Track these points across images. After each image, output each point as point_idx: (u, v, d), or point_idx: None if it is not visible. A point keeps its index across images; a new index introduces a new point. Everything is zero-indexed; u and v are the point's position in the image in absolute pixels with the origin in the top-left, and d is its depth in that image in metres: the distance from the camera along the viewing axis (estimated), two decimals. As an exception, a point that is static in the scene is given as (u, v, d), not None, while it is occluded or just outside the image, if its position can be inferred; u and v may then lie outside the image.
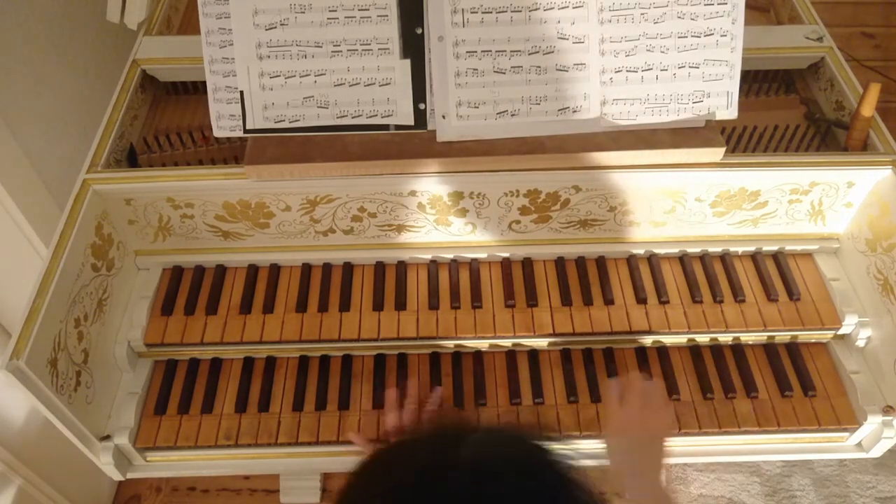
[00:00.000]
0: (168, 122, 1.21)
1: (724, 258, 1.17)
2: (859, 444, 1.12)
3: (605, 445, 0.97)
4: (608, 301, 1.12)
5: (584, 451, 0.98)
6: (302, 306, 1.11)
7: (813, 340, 1.14)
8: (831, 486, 1.67)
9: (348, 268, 1.15)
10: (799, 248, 1.17)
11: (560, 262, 1.16)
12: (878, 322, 1.08)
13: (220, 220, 1.09)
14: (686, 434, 1.06)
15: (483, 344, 1.12)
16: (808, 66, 1.24)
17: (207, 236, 1.12)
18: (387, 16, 0.97)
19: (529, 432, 0.64)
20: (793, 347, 1.13)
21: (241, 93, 0.99)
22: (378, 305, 1.11)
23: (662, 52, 0.99)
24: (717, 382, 1.10)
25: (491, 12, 0.96)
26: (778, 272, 1.15)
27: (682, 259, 1.16)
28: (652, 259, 1.17)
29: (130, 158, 1.15)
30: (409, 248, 1.15)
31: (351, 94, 1.00)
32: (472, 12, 0.97)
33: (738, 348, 1.13)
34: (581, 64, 0.99)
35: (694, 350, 1.13)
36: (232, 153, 1.16)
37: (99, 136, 1.09)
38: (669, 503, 0.86)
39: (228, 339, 1.09)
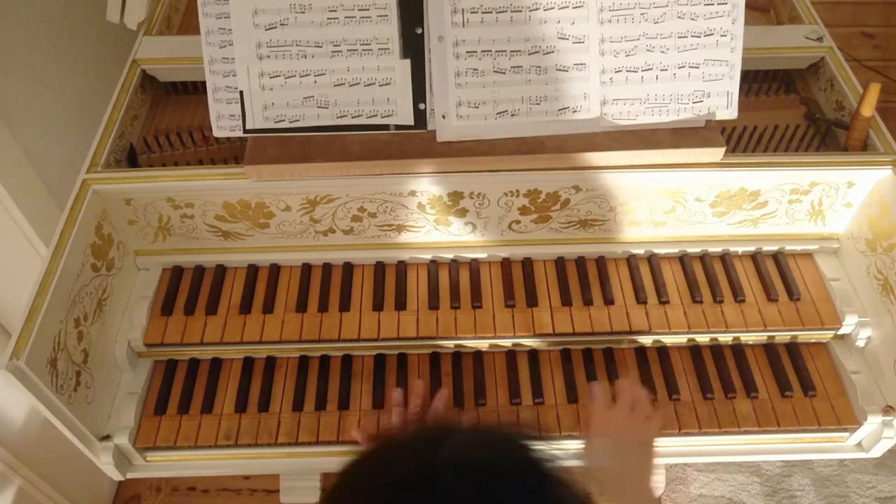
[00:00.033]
0: (168, 122, 1.21)
1: (724, 258, 1.17)
2: (859, 444, 1.12)
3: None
4: (608, 301, 1.12)
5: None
6: (302, 306, 1.11)
7: (813, 340, 1.14)
8: (831, 486, 1.67)
9: (348, 268, 1.15)
10: (799, 248, 1.17)
11: (560, 262, 1.16)
12: (878, 322, 1.08)
13: (220, 220, 1.09)
14: (686, 434, 1.06)
15: (483, 344, 1.12)
16: (808, 66, 1.24)
17: (207, 236, 1.12)
18: (387, 16, 0.97)
19: (514, 432, 0.64)
20: (793, 347, 1.13)
21: (241, 93, 0.99)
22: (378, 305, 1.11)
23: (662, 52, 0.99)
24: (717, 382, 1.10)
25: (491, 12, 0.96)
26: (778, 272, 1.15)
27: (682, 259, 1.16)
28: (652, 259, 1.17)
29: (130, 158, 1.15)
30: (409, 248, 1.15)
31: (351, 94, 1.00)
32: (472, 12, 0.97)
33: (738, 348, 1.13)
34: (581, 64, 0.99)
35: (694, 350, 1.13)
36: (232, 153, 1.16)
37: (99, 136, 1.09)
38: None
39: (228, 339, 1.09)
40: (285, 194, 1.05)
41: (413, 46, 0.98)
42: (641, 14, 0.98)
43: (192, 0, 1.40)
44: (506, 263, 1.16)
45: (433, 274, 1.15)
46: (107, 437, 1.02)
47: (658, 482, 1.62)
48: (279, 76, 0.99)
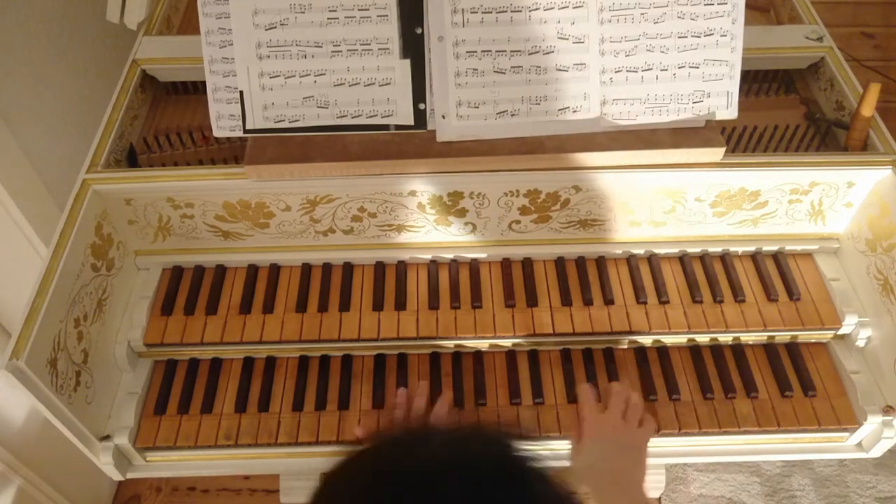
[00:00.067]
0: (168, 122, 1.21)
1: (724, 258, 1.17)
2: (859, 444, 1.12)
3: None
4: (608, 301, 1.12)
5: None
6: (302, 306, 1.11)
7: (813, 340, 1.14)
8: (831, 486, 1.67)
9: (348, 268, 1.15)
10: (799, 248, 1.17)
11: (560, 262, 1.16)
12: (878, 322, 1.08)
13: (220, 220, 1.09)
14: (686, 434, 1.06)
15: (483, 344, 1.12)
16: (808, 66, 1.24)
17: (207, 236, 1.12)
18: (387, 16, 0.97)
19: (496, 431, 0.64)
20: (793, 347, 1.13)
21: (241, 93, 0.99)
22: (378, 305, 1.11)
23: (662, 52, 0.99)
24: (717, 382, 1.10)
25: (491, 12, 0.96)
26: (778, 272, 1.15)
27: (682, 259, 1.16)
28: (652, 259, 1.17)
29: (130, 158, 1.15)
30: (409, 248, 1.15)
31: (351, 94, 1.00)
32: (472, 12, 0.97)
33: (738, 348, 1.13)
34: (581, 64, 0.99)
35: (694, 350, 1.13)
36: (232, 153, 1.16)
37: (99, 136, 1.09)
38: None
39: (228, 339, 1.09)
40: (285, 194, 1.05)
41: (413, 46, 0.98)
42: (641, 14, 0.98)
43: (192, 0, 1.40)
44: (506, 263, 1.16)
45: (433, 274, 1.15)
46: (107, 437, 1.02)
47: (658, 482, 1.62)
48: (279, 76, 0.99)
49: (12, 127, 1.16)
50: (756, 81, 1.26)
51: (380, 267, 1.15)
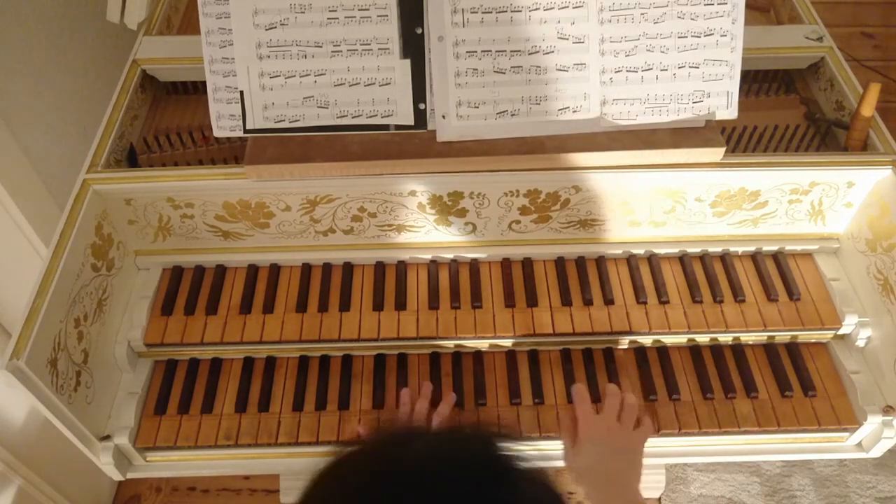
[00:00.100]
0: (168, 122, 1.21)
1: (724, 258, 1.17)
2: (859, 444, 1.12)
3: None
4: (608, 301, 1.12)
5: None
6: (302, 306, 1.11)
7: (813, 340, 1.14)
8: (831, 486, 1.67)
9: (348, 268, 1.15)
10: (799, 248, 1.17)
11: (560, 262, 1.16)
12: (878, 322, 1.08)
13: (220, 220, 1.09)
14: (686, 434, 1.06)
15: (483, 344, 1.12)
16: (808, 66, 1.24)
17: (207, 236, 1.12)
18: (387, 16, 0.97)
19: (484, 432, 0.64)
20: (793, 347, 1.13)
21: (241, 93, 0.99)
22: (378, 305, 1.11)
23: (662, 52, 0.99)
24: (717, 382, 1.10)
25: (491, 12, 0.96)
26: (778, 272, 1.15)
27: (682, 259, 1.16)
28: (652, 259, 1.17)
29: (130, 158, 1.15)
30: (409, 248, 1.15)
31: (351, 94, 1.00)
32: (472, 12, 0.97)
33: (738, 348, 1.13)
34: (581, 64, 0.99)
35: (694, 350, 1.13)
36: (232, 153, 1.16)
37: (99, 136, 1.09)
38: None
39: (228, 339, 1.09)
40: (285, 194, 1.05)
41: (413, 46, 0.98)
42: (641, 14, 0.98)
43: (192, 0, 1.40)
44: (506, 263, 1.16)
45: (433, 274, 1.15)
46: (107, 437, 1.02)
47: (658, 482, 1.62)
48: (279, 76, 0.99)
49: (12, 127, 1.16)
50: (756, 81, 1.26)
51: (380, 267, 1.15)
